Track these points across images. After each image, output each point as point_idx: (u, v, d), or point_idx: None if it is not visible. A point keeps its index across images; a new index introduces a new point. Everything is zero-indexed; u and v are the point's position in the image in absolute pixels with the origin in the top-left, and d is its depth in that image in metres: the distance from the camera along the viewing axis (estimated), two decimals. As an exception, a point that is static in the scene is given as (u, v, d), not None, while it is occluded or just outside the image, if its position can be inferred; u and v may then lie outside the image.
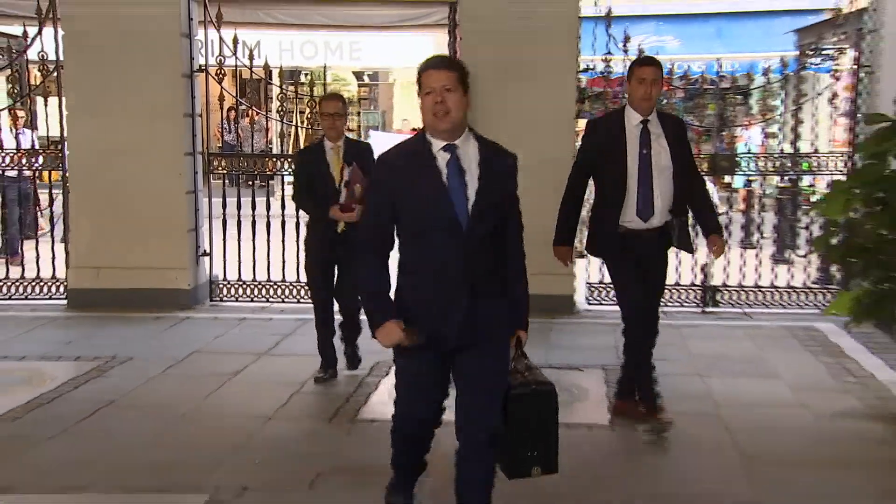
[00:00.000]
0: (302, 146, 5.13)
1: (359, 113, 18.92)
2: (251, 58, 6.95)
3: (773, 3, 13.68)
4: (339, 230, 4.52)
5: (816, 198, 7.74)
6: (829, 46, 8.34)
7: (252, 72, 6.90)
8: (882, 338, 6.24)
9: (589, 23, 7.63)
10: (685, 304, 7.39)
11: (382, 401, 5.11)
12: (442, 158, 2.53)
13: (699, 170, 4.69)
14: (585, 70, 7.82)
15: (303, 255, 5.62)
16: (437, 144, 2.55)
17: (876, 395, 5.44)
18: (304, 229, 5.88)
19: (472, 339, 2.56)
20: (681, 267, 7.35)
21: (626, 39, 7.21)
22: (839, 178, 6.68)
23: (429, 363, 2.64)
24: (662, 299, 5.82)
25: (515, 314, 2.71)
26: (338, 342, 5.14)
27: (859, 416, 5.07)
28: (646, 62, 4.25)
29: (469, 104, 2.58)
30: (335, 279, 4.86)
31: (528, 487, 3.42)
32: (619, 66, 7.19)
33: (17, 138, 7.50)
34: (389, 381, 5.51)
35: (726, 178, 8.18)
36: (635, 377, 4.43)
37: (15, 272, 7.54)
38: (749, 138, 10.59)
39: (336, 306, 5.05)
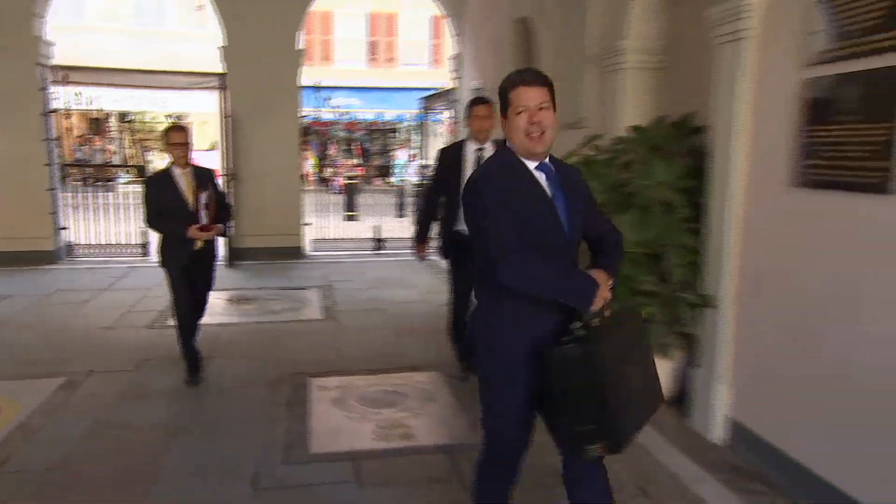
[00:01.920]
0: (148, 174, 5.13)
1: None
2: (89, 103, 9.73)
3: (411, 83, 20.86)
4: (197, 247, 4.50)
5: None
6: (438, 108, 11.30)
7: (93, 113, 9.69)
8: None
9: (308, 89, 10.63)
10: (365, 249, 10.51)
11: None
12: (539, 177, 2.24)
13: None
14: (305, 116, 10.56)
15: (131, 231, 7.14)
16: (529, 164, 2.24)
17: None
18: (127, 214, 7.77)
19: None
20: (365, 224, 10.72)
21: (328, 99, 10.57)
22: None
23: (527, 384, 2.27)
24: (353, 245, 9.19)
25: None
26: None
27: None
28: (478, 102, 4.41)
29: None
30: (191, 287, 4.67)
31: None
32: (326, 115, 10.88)
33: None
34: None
35: (388, 178, 12.22)
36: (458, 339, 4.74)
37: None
38: (400, 157, 15.42)
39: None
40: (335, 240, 10.67)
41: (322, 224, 10.92)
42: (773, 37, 3.38)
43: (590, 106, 5.50)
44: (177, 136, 4.58)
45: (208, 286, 4.90)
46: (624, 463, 3.58)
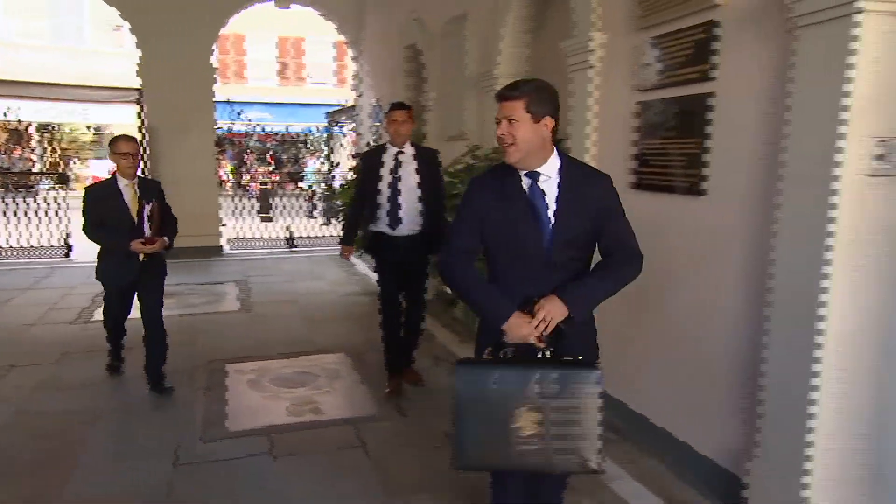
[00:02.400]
0: (90, 183, 4.26)
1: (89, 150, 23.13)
2: (6, 115, 9.13)
3: (318, 99, 20.47)
4: (141, 259, 3.92)
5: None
6: (342, 121, 11.31)
7: (12, 123, 9.08)
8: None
9: (222, 104, 10.60)
10: (279, 246, 10.34)
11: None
12: (525, 184, 2.00)
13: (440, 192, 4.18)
14: (220, 128, 10.47)
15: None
16: (522, 171, 2.01)
17: (365, 284, 7.84)
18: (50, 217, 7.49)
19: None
20: (278, 225, 10.66)
21: (241, 113, 10.94)
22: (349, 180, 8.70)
23: None
24: (268, 244, 9.30)
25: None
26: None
27: (358, 294, 7.26)
28: (396, 107, 4.00)
29: (549, 126, 1.97)
30: (132, 303, 4.19)
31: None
32: (241, 127, 10.82)
33: None
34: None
35: (300, 184, 12.28)
36: (390, 350, 4.22)
37: None
38: (310, 164, 15.41)
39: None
40: (251, 239, 10.44)
41: (239, 225, 10.69)
42: (613, 67, 3.62)
43: (471, 121, 5.66)
44: (125, 145, 3.90)
45: (157, 304, 4.17)
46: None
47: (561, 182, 2.02)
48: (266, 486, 3.07)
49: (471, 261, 2.11)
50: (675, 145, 3.11)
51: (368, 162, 4.16)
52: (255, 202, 12.28)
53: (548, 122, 1.97)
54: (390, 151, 4.02)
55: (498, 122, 1.99)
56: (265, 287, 7.62)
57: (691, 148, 3.00)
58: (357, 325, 5.93)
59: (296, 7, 10.10)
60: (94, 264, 4.15)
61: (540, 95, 1.97)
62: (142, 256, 3.97)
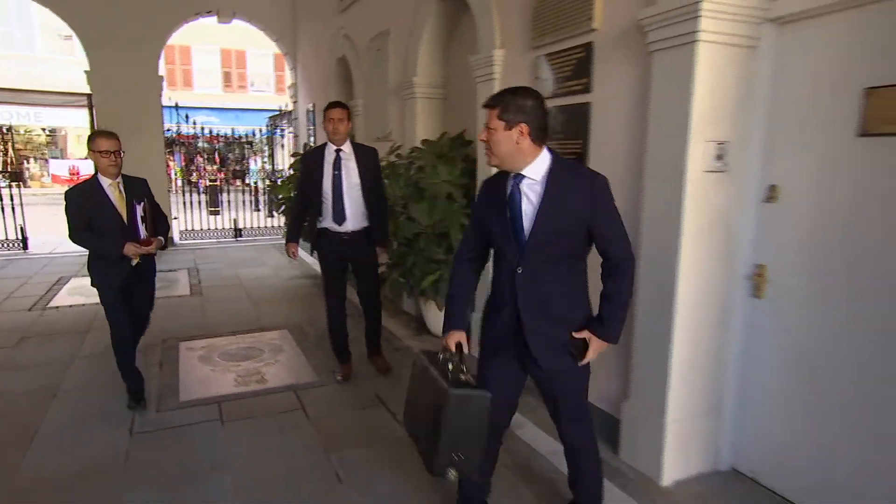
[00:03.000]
0: (72, 185, 3.38)
1: (47, 149, 23.14)
2: None
3: (260, 105, 20.49)
4: (134, 263, 3.28)
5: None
6: (282, 125, 10.92)
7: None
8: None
9: (169, 109, 9.89)
10: (227, 237, 9.94)
11: (63, 296, 5.98)
12: (509, 187, 1.88)
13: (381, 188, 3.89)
14: (168, 130, 9.86)
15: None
16: (510, 174, 1.88)
17: (306, 268, 7.46)
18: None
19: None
20: (226, 217, 10.34)
21: (187, 117, 10.11)
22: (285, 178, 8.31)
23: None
24: (216, 234, 8.92)
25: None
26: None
27: (299, 277, 7.08)
28: (333, 105, 3.64)
29: (524, 132, 1.80)
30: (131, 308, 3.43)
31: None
32: (188, 130, 10.32)
33: None
34: (70, 284, 6.47)
35: (245, 181, 11.92)
36: (337, 341, 3.88)
37: None
38: (254, 163, 14.90)
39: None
40: (200, 230, 9.98)
41: (189, 218, 10.15)
42: (513, 79, 3.65)
43: (393, 124, 5.62)
44: (104, 142, 3.17)
45: (148, 303, 3.61)
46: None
47: (546, 186, 1.84)
48: (216, 447, 2.99)
49: (468, 266, 2.07)
50: (565, 145, 3.20)
51: (309, 161, 3.78)
52: (204, 197, 11.77)
53: (522, 128, 1.81)
54: (330, 150, 3.66)
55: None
56: (214, 273, 7.32)
57: (576, 148, 3.10)
58: (298, 305, 5.82)
59: (237, 22, 9.67)
60: (49, 256, 3.76)
61: (513, 104, 1.81)
62: (135, 260, 3.28)
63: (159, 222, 3.48)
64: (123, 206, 3.26)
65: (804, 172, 2.33)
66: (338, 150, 3.65)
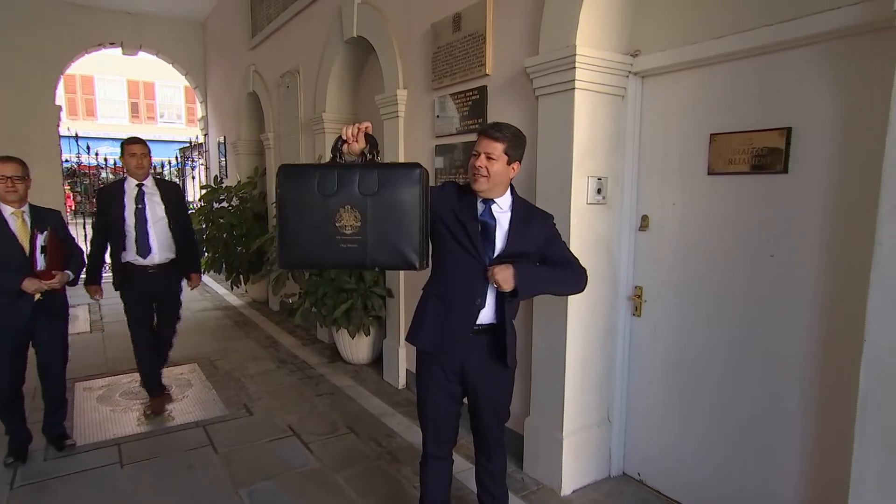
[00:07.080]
0: None
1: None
2: None
3: (170, 137, 20.05)
4: (36, 299, 2.86)
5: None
6: (193, 156, 10.59)
7: None
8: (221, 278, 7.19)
9: (69, 139, 9.19)
10: None
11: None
12: (480, 209, 1.92)
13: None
14: (67, 161, 9.39)
15: None
16: (478, 197, 1.94)
17: (219, 300, 7.55)
18: None
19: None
20: None
21: (88, 147, 9.42)
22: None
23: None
24: None
25: None
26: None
27: (211, 309, 6.89)
28: (133, 141, 3.54)
29: (516, 169, 1.94)
30: (27, 357, 2.95)
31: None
32: (90, 160, 9.53)
33: None
34: None
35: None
36: (146, 376, 3.77)
37: None
38: None
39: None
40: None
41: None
42: (415, 117, 3.75)
43: (305, 157, 5.53)
44: (3, 167, 2.79)
45: (57, 349, 3.05)
46: (337, 410, 3.72)
47: (513, 214, 1.95)
48: (114, 492, 2.73)
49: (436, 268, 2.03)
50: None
51: (108, 195, 3.53)
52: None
53: (516, 166, 1.93)
54: (131, 185, 3.50)
55: (476, 155, 1.91)
56: (117, 308, 6.58)
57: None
58: (209, 337, 5.53)
59: (142, 54, 9.19)
60: None
61: (517, 142, 1.91)
62: (37, 296, 2.86)
63: (72, 256, 3.05)
64: (27, 237, 2.86)
65: (667, 204, 2.55)
66: (140, 185, 3.52)
